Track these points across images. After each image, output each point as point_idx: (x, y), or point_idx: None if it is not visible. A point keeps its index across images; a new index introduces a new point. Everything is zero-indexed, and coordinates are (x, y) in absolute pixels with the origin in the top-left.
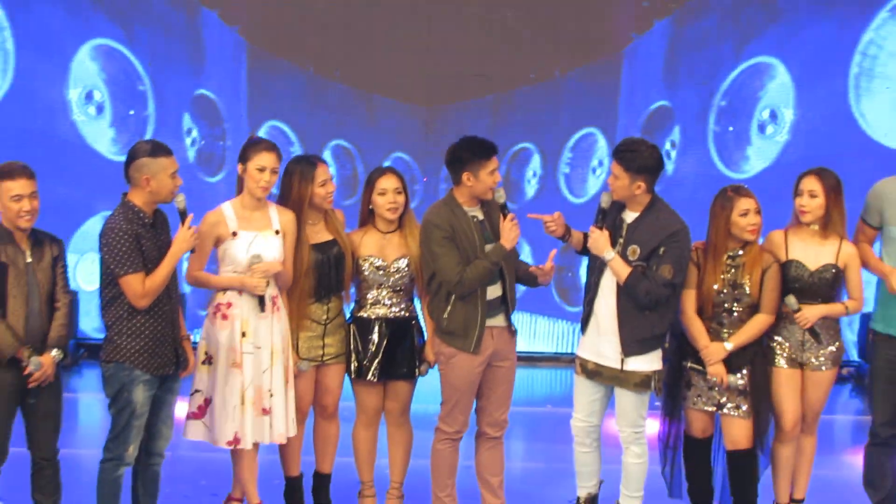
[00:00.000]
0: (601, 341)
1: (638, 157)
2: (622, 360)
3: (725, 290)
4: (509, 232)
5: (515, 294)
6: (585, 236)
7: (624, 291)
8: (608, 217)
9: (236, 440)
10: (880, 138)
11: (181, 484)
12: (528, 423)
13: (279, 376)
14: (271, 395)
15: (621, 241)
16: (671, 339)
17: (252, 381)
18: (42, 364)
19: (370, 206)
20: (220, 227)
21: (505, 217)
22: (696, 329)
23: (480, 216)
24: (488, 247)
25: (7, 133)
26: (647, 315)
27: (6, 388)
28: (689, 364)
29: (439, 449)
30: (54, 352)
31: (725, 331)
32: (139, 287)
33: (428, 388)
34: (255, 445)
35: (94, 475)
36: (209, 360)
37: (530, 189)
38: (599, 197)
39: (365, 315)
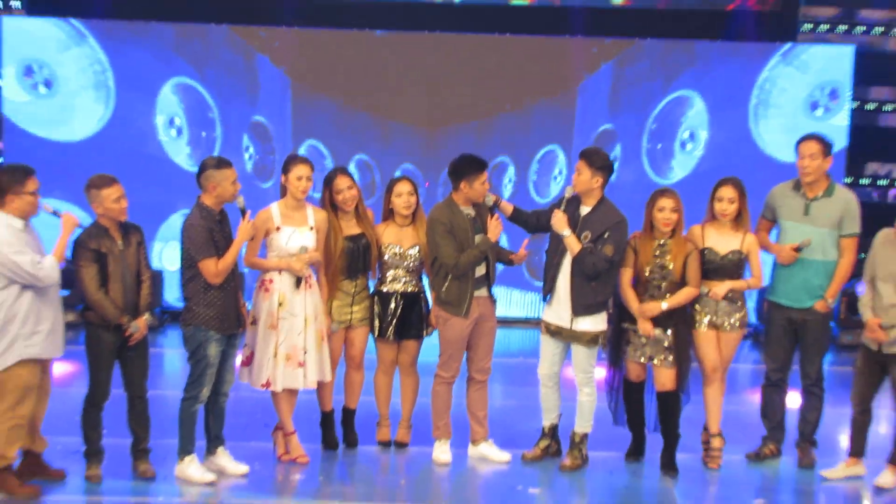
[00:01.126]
0: (560, 308)
1: (599, 159)
2: (571, 320)
3: (655, 271)
4: (494, 228)
5: (496, 272)
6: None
7: (575, 263)
8: (568, 209)
9: (268, 384)
10: (773, 153)
11: (241, 417)
12: (505, 372)
13: (312, 337)
14: (305, 352)
15: (577, 228)
16: (614, 307)
17: (285, 340)
18: (139, 326)
19: (390, 206)
20: (268, 222)
21: (492, 216)
22: (630, 297)
23: (473, 214)
24: (478, 238)
25: (109, 150)
26: (593, 285)
27: (109, 345)
28: (626, 325)
29: (438, 390)
30: (146, 315)
31: (657, 297)
32: (213, 268)
33: (428, 347)
34: (292, 391)
35: (176, 410)
36: (255, 321)
37: (506, 192)
38: (566, 187)
39: (385, 289)
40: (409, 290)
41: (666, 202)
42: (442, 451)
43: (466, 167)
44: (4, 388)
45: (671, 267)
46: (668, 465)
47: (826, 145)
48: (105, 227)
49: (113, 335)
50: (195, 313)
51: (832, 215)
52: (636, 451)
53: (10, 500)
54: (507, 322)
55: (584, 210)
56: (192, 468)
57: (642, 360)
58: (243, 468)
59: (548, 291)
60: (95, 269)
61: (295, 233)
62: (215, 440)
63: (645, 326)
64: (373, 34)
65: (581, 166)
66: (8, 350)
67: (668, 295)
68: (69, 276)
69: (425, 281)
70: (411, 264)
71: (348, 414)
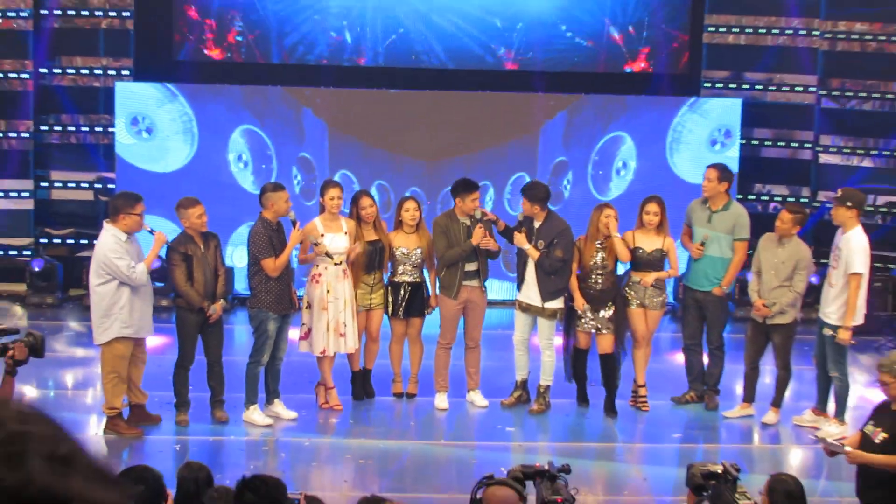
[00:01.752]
0: (529, 292)
1: (533, 194)
2: (542, 303)
3: (596, 264)
4: (476, 236)
5: (488, 269)
6: (509, 229)
7: (537, 265)
8: (524, 224)
9: (324, 350)
10: (684, 177)
11: (293, 375)
12: (488, 340)
13: (350, 315)
14: (345, 326)
15: (533, 238)
16: (569, 292)
17: (333, 317)
18: (216, 309)
19: (400, 218)
20: (314, 231)
21: (479, 227)
22: (574, 287)
23: (468, 223)
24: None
25: (194, 179)
26: (552, 278)
27: (193, 324)
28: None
29: (439, 353)
30: (221, 301)
31: (599, 283)
32: (272, 265)
33: (431, 323)
34: (334, 354)
35: (244, 372)
36: (309, 305)
37: (488, 207)
38: (517, 214)
39: (396, 280)
40: (414, 280)
41: (609, 212)
42: (441, 400)
43: (461, 187)
44: (105, 356)
45: (607, 262)
46: (610, 408)
47: (723, 172)
48: (191, 236)
49: (196, 316)
50: (258, 298)
51: (727, 224)
52: (582, 399)
53: (119, 440)
54: (490, 303)
55: (537, 224)
56: (255, 414)
57: (590, 330)
58: (293, 414)
59: (520, 281)
60: (183, 267)
61: (335, 237)
62: (272, 393)
63: (580, 304)
64: (388, 92)
65: (524, 200)
66: (109, 329)
67: (604, 282)
68: (165, 273)
69: (426, 274)
70: (415, 261)
71: (367, 374)
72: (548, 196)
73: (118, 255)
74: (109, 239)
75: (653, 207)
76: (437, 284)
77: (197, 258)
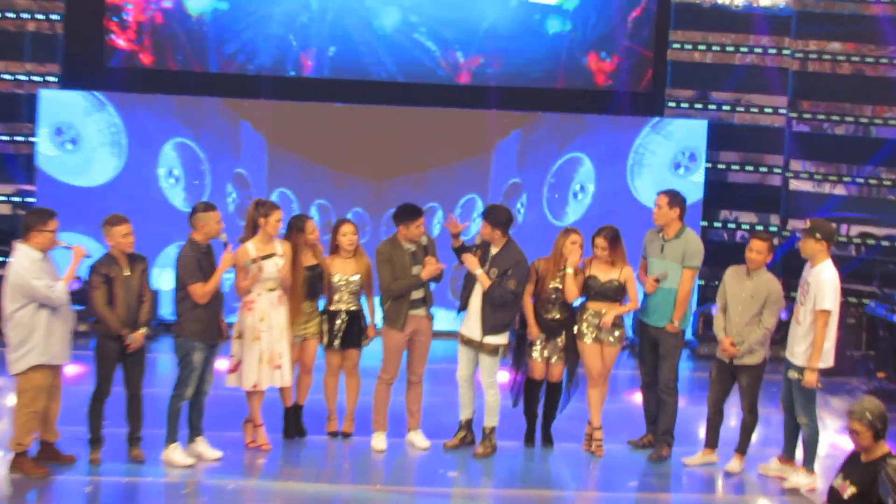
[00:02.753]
0: (470, 324)
1: (495, 217)
2: (482, 337)
3: (552, 291)
4: (429, 271)
5: (433, 295)
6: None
7: (486, 295)
8: (481, 248)
9: (255, 385)
10: (645, 202)
11: (218, 411)
12: (433, 375)
13: (286, 345)
14: (281, 356)
15: (486, 265)
16: (520, 320)
17: (267, 348)
18: (135, 338)
19: (336, 243)
20: (246, 256)
21: (427, 254)
22: (529, 314)
23: (413, 249)
24: (415, 269)
25: (121, 194)
26: (498, 311)
27: (113, 351)
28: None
29: (378, 389)
30: (143, 329)
31: (551, 313)
32: (200, 291)
33: (369, 354)
34: (264, 389)
35: (165, 405)
36: (240, 335)
37: (436, 231)
38: (477, 234)
39: (333, 308)
40: (352, 308)
41: (577, 238)
42: (379, 441)
43: (403, 214)
44: (22, 387)
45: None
46: (546, 437)
47: (673, 198)
48: (115, 257)
49: (116, 343)
50: (184, 327)
51: (678, 252)
52: (530, 438)
53: (25, 480)
54: (434, 334)
55: (494, 250)
56: (175, 453)
57: (542, 359)
58: (218, 453)
59: (462, 309)
60: (104, 289)
61: (268, 261)
62: (196, 430)
63: (534, 333)
64: (332, 106)
65: (484, 223)
66: (26, 356)
67: (560, 307)
68: (84, 294)
69: (364, 301)
70: (353, 289)
71: (299, 410)
72: (510, 221)
73: (34, 275)
74: (23, 259)
75: (600, 241)
76: (381, 315)
77: (119, 280)
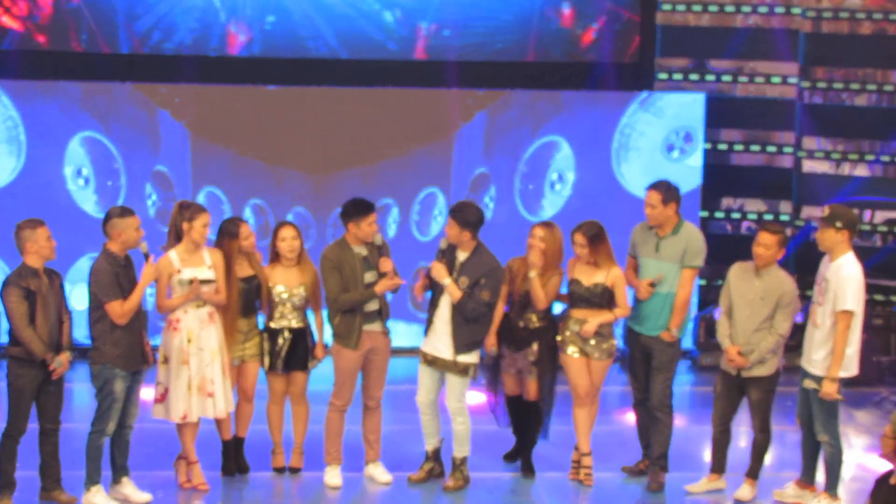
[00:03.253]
0: (437, 340)
1: (465, 217)
2: (455, 355)
3: (526, 295)
4: (384, 285)
5: (389, 308)
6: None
7: (457, 309)
8: (446, 255)
9: (185, 416)
10: (634, 192)
11: (146, 447)
12: (393, 398)
13: (218, 369)
14: (213, 383)
15: (455, 273)
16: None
17: (197, 372)
18: (62, 362)
19: (276, 249)
20: (169, 266)
21: (381, 256)
22: (495, 321)
23: (365, 253)
24: (368, 275)
25: (22, 198)
26: (472, 326)
27: (33, 380)
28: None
29: (331, 417)
30: (68, 352)
31: (529, 319)
32: (119, 310)
33: (319, 376)
34: (198, 419)
35: (83, 443)
36: (166, 360)
37: (391, 231)
38: (439, 240)
39: (274, 326)
40: (296, 325)
41: (540, 232)
42: (332, 476)
43: (353, 210)
44: None
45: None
46: (526, 466)
47: (666, 192)
48: (34, 269)
49: (36, 371)
50: (102, 352)
51: (677, 250)
52: (513, 456)
53: None
54: (393, 352)
55: (462, 256)
56: (98, 497)
57: (514, 372)
58: (147, 497)
59: (427, 325)
60: (26, 306)
61: (196, 273)
62: (120, 470)
63: (490, 341)
64: (265, 89)
65: (451, 223)
66: None
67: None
68: None
69: (310, 317)
70: (297, 302)
71: (240, 443)
72: (481, 222)
73: None
74: None
75: (579, 239)
76: (331, 332)
77: (41, 296)
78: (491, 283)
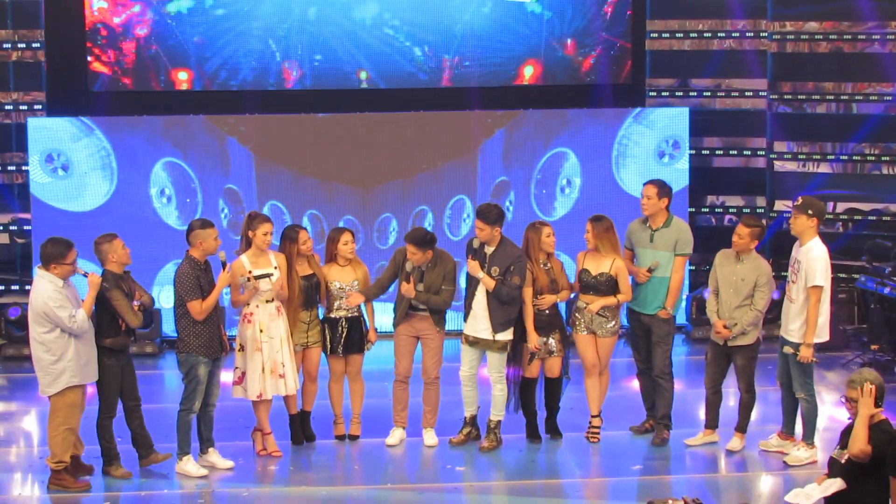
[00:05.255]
0: (477, 324)
1: (492, 215)
2: (493, 335)
3: (549, 285)
4: (405, 290)
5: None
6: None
7: (492, 295)
8: (478, 253)
9: (260, 395)
10: (632, 192)
11: (227, 422)
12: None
13: (287, 354)
14: (283, 366)
15: (486, 265)
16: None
17: (269, 357)
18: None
19: (334, 251)
20: (241, 269)
21: (408, 281)
22: (529, 316)
23: (409, 270)
24: (420, 286)
25: (115, 217)
26: (505, 307)
27: (116, 367)
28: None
29: (394, 387)
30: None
31: (547, 311)
32: (198, 307)
33: (375, 356)
34: (271, 397)
35: (174, 419)
36: (242, 347)
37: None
38: (471, 240)
39: (333, 316)
40: (352, 315)
41: (548, 230)
42: (393, 436)
43: (424, 242)
44: (56, 406)
45: (559, 280)
46: (553, 429)
47: (661, 188)
48: (119, 274)
49: (118, 360)
50: (186, 343)
51: (669, 240)
52: (532, 433)
53: (67, 496)
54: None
55: (489, 250)
56: (188, 465)
57: (543, 356)
58: (229, 463)
59: (466, 312)
60: (126, 300)
61: (263, 280)
62: (206, 442)
63: (533, 343)
64: (316, 116)
65: (481, 224)
66: (59, 378)
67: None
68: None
69: (363, 307)
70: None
71: (306, 416)
72: (503, 216)
73: (58, 303)
74: (46, 286)
75: (587, 226)
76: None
77: (129, 291)
78: (519, 269)
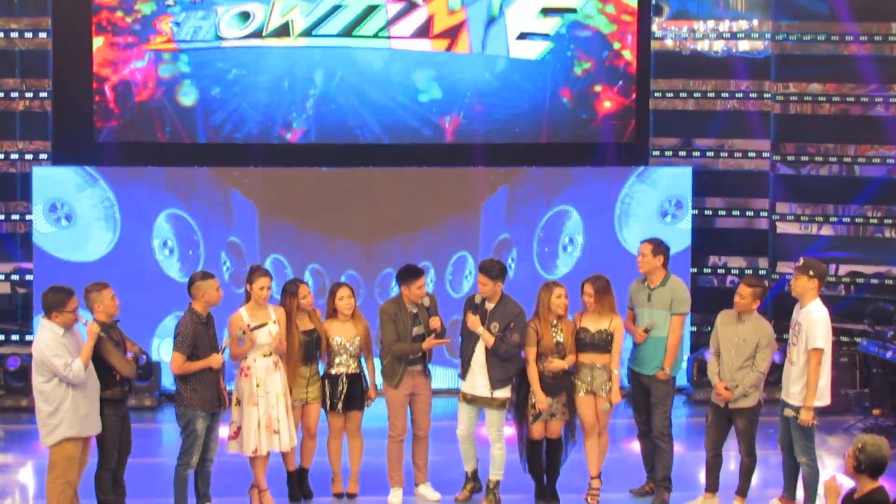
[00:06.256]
0: (475, 382)
1: (495, 271)
2: (491, 392)
3: (553, 346)
4: (430, 343)
5: (433, 352)
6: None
7: (491, 352)
8: (479, 308)
9: (255, 450)
10: (634, 252)
11: (224, 477)
12: (433, 432)
13: (283, 409)
14: (278, 422)
15: (486, 321)
16: (518, 377)
17: (264, 412)
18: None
19: (334, 306)
20: (240, 322)
21: (430, 316)
22: (533, 376)
23: (415, 311)
24: (416, 329)
25: (117, 268)
26: (504, 364)
27: (115, 418)
28: (532, 393)
29: (391, 447)
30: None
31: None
32: (178, 362)
33: (374, 413)
34: (267, 453)
35: (171, 474)
36: (238, 402)
37: (428, 288)
38: (471, 296)
39: (333, 372)
40: (352, 371)
41: (560, 290)
42: (395, 496)
43: (406, 275)
44: (54, 459)
45: (565, 342)
46: (552, 494)
47: (656, 246)
48: (108, 324)
49: (117, 411)
50: (185, 396)
51: (666, 299)
52: (541, 495)
53: None
54: (434, 392)
55: (490, 306)
56: None
57: (546, 417)
58: None
59: (464, 369)
60: (117, 350)
61: (261, 331)
62: (203, 497)
63: (543, 403)
64: (320, 170)
65: (484, 279)
66: (56, 429)
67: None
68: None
69: (364, 363)
70: (353, 351)
71: (304, 473)
72: (505, 272)
73: (54, 352)
74: (46, 335)
75: (587, 288)
76: (380, 372)
77: (118, 341)
78: (519, 326)
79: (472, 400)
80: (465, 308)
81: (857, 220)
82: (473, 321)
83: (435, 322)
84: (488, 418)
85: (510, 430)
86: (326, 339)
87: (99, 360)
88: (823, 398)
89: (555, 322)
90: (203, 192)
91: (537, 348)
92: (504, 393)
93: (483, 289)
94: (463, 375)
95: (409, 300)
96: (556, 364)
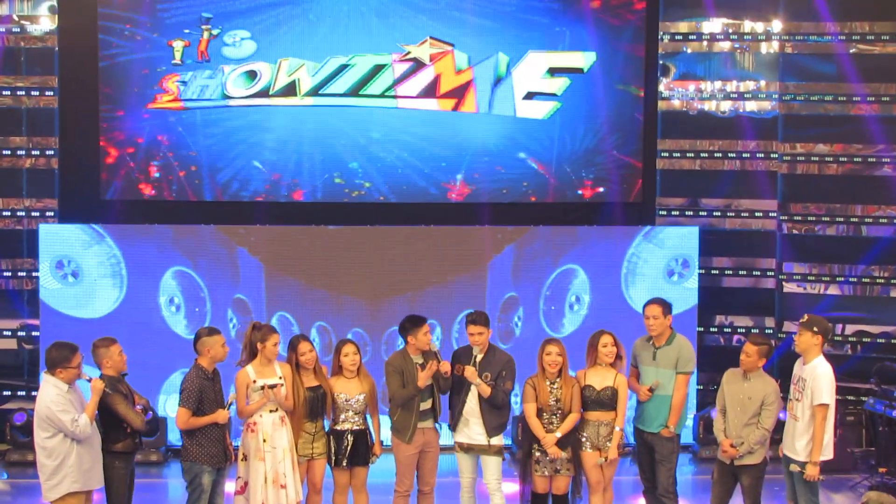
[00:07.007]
0: (470, 431)
1: (484, 318)
2: (488, 439)
3: (552, 404)
4: (422, 377)
5: (441, 407)
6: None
7: (486, 400)
8: (471, 359)
9: None
10: (640, 310)
11: None
12: (441, 487)
13: (289, 464)
14: (285, 476)
15: (477, 370)
16: (523, 431)
17: (271, 467)
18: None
19: (339, 363)
20: (247, 379)
21: (438, 362)
22: (536, 427)
23: (422, 361)
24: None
25: (123, 325)
26: (499, 411)
27: (124, 471)
28: (535, 447)
29: (397, 502)
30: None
31: (555, 425)
32: (184, 417)
33: (380, 469)
34: None
35: None
36: (245, 457)
37: (433, 347)
38: (457, 350)
39: (339, 428)
40: (357, 427)
41: (551, 348)
42: None
43: (409, 324)
44: None
45: (563, 401)
46: None
47: (665, 306)
48: (116, 377)
49: (125, 464)
50: (191, 451)
51: (671, 358)
52: None
53: None
54: (442, 449)
55: (480, 356)
56: None
57: (548, 473)
58: None
59: (456, 420)
60: (126, 402)
61: (268, 383)
62: None
63: (554, 451)
64: (327, 228)
65: (481, 328)
66: (60, 484)
67: (561, 419)
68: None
69: (369, 420)
70: (358, 407)
71: None
72: (488, 324)
73: (61, 407)
74: (51, 391)
75: (608, 339)
76: (391, 426)
77: (127, 394)
78: (510, 373)
79: (468, 448)
80: (454, 361)
81: (864, 279)
82: (472, 372)
83: (445, 365)
84: (487, 467)
85: (514, 487)
86: (331, 395)
87: (109, 413)
88: (827, 453)
89: (551, 379)
90: (209, 250)
91: (536, 403)
92: (500, 440)
93: (480, 338)
94: (453, 426)
95: (415, 349)
96: (564, 426)
